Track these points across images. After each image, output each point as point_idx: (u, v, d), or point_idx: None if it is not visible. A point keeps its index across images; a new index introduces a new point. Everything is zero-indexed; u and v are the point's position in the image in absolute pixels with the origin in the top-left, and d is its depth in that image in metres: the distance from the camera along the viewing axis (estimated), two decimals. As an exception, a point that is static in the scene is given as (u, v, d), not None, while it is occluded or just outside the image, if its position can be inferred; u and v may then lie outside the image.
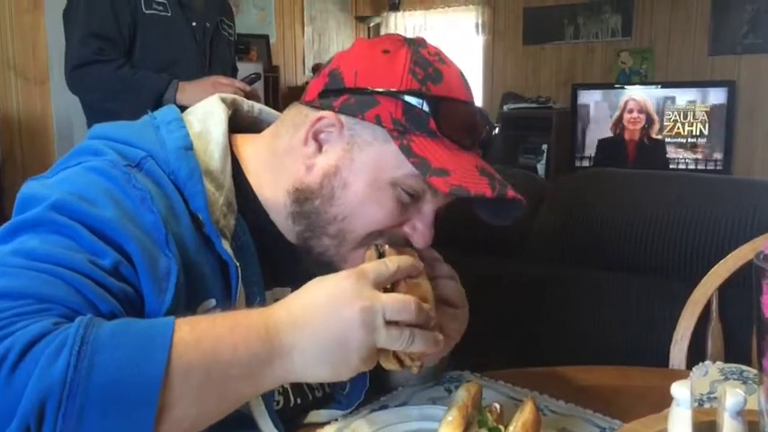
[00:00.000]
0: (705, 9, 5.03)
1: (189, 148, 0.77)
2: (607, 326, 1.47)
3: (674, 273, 1.44)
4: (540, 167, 5.42)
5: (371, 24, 6.48)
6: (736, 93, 4.93)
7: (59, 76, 3.28)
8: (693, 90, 5.04)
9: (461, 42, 6.43)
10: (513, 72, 6.09)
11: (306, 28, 6.14)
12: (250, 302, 0.77)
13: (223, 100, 0.87)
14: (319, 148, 0.80)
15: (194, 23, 2.23)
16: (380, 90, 0.77)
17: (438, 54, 0.81)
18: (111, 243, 0.67)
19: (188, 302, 0.72)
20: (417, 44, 0.81)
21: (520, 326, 1.40)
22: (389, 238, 0.80)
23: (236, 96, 0.91)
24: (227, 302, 0.75)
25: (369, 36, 6.58)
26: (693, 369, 1.04)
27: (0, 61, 3.52)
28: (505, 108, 5.70)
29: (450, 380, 0.98)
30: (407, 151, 0.75)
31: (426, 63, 0.79)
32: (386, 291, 0.68)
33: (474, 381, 0.95)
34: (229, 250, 0.75)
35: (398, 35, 0.83)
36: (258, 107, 0.94)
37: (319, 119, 0.79)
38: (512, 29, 6.07)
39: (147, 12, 2.12)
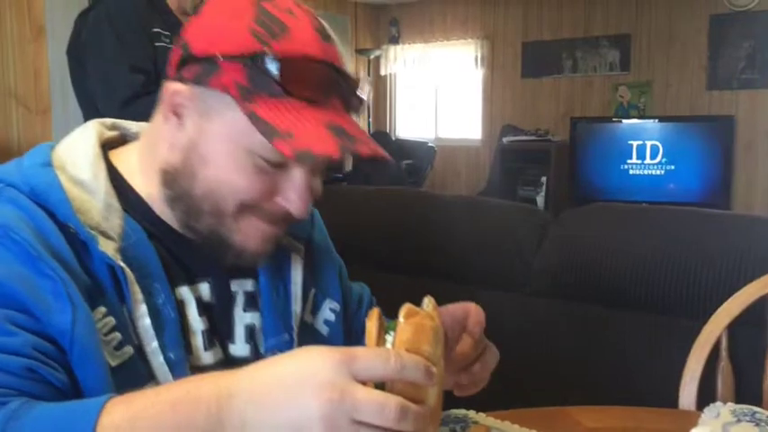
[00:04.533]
0: (702, 44, 5.09)
1: (47, 164, 0.75)
2: (612, 363, 1.45)
3: (680, 310, 1.41)
4: (540, 200, 5.43)
5: (371, 57, 6.55)
6: (735, 127, 4.96)
7: (61, 105, 3.28)
8: (692, 124, 5.08)
9: (461, 75, 6.49)
10: (512, 105, 6.14)
11: (306, 60, 6.18)
12: (153, 300, 0.74)
13: (102, 123, 0.85)
14: (179, 124, 0.76)
15: None
16: (223, 55, 0.73)
17: (290, 9, 0.76)
18: None
19: None
20: None
21: (523, 362, 1.37)
22: (267, 212, 0.77)
23: (117, 120, 0.89)
24: (124, 304, 0.72)
25: (369, 69, 6.64)
26: (704, 410, 1.01)
27: (1, 90, 3.53)
28: (504, 140, 5.73)
29: (455, 420, 0.95)
30: (253, 117, 0.71)
31: (270, 19, 0.74)
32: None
33: (482, 423, 0.92)
34: (111, 252, 0.72)
35: None
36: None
37: (173, 93, 0.76)
38: (510, 62, 6.13)
39: (158, 44, 2.14)
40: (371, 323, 0.65)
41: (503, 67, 6.19)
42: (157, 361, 0.74)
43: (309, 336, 0.90)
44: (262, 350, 0.86)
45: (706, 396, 1.17)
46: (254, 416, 0.57)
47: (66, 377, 0.65)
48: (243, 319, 0.85)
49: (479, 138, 6.42)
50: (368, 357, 0.57)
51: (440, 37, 6.56)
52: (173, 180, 0.78)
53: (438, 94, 6.83)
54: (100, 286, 0.71)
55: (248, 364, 0.78)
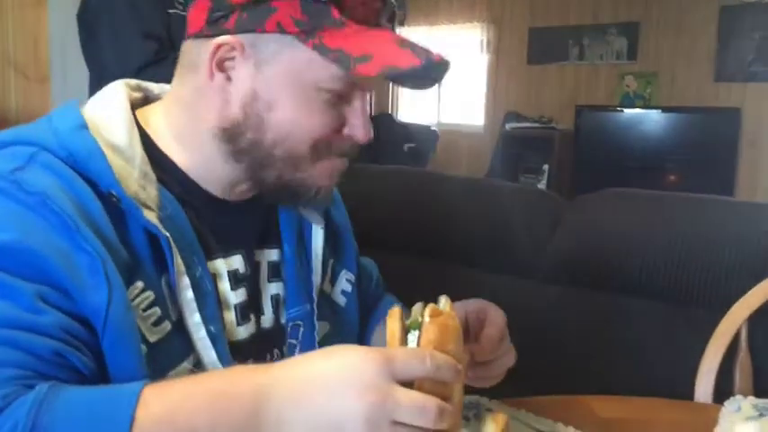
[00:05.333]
0: (711, 35, 5.03)
1: (83, 126, 0.71)
2: (626, 353, 1.42)
3: (698, 300, 1.38)
4: (541, 188, 5.39)
5: (376, 38, 6.47)
6: (741, 120, 4.92)
7: (60, 74, 3.22)
8: (697, 116, 5.03)
9: (465, 60, 6.42)
10: (517, 91, 6.08)
11: (310, 39, 6.11)
12: (191, 273, 0.72)
13: (127, 84, 0.82)
14: (228, 78, 0.74)
15: None
16: None
17: None
18: (22, 269, 0.61)
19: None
20: None
21: (534, 349, 1.34)
22: (338, 149, 0.77)
23: (140, 81, 0.85)
24: (163, 277, 0.70)
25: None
26: (725, 404, 0.99)
27: (0, 58, 3.46)
28: (507, 127, 5.69)
29: (467, 406, 0.92)
30: (322, 49, 0.70)
31: None
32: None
33: (498, 411, 0.89)
34: (155, 221, 0.69)
35: None
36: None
37: (217, 47, 0.72)
38: (516, 48, 6.07)
39: (171, 11, 2.11)
40: (393, 323, 0.65)
41: (508, 52, 6.12)
42: (198, 334, 0.72)
43: (327, 306, 0.90)
44: (283, 320, 0.85)
45: (721, 389, 1.14)
46: (292, 415, 0.56)
47: (94, 362, 0.62)
48: (269, 289, 0.84)
49: (482, 123, 6.36)
50: (406, 358, 0.59)
51: (445, 20, 6.48)
52: (237, 134, 0.75)
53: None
54: (137, 259, 0.68)
55: (274, 334, 0.80)
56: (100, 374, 0.62)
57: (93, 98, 0.78)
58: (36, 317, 0.59)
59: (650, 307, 1.43)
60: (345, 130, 0.77)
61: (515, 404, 0.95)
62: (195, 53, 0.75)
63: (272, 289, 0.85)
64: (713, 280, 1.35)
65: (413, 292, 0.80)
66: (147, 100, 0.84)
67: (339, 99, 0.74)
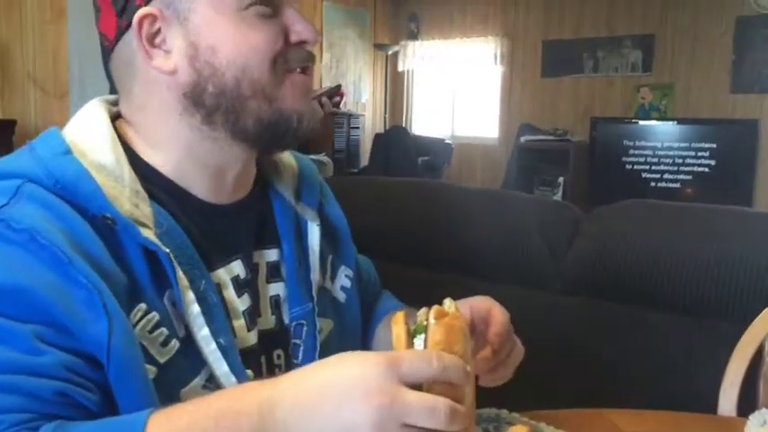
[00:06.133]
0: (727, 46, 5.01)
1: (67, 151, 0.70)
2: (646, 366, 1.40)
3: (718, 311, 1.36)
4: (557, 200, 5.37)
5: (390, 52, 6.50)
6: (758, 132, 4.87)
7: (78, 89, 3.27)
8: (714, 127, 5.00)
9: (479, 73, 6.43)
10: (531, 104, 6.08)
11: (324, 53, 6.15)
12: (195, 287, 0.71)
13: (104, 100, 0.81)
14: (166, 52, 0.73)
15: None
16: None
17: None
18: (16, 311, 0.60)
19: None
20: None
21: (552, 362, 1.33)
22: (295, 60, 0.77)
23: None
24: (165, 295, 0.69)
25: (387, 65, 6.59)
26: (750, 418, 0.96)
27: (20, 72, 3.51)
28: (522, 139, 5.67)
29: (487, 419, 0.91)
30: None
31: None
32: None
33: (519, 424, 0.88)
34: (153, 238, 0.68)
35: None
36: None
37: (139, 25, 0.72)
38: (530, 61, 6.07)
39: None
40: (399, 327, 0.64)
41: (522, 65, 6.13)
42: (209, 348, 0.71)
43: (328, 303, 0.90)
44: (287, 320, 0.84)
45: (745, 402, 1.12)
46: (299, 426, 0.56)
47: (100, 395, 0.62)
48: (268, 290, 0.84)
49: (496, 136, 6.36)
50: (412, 360, 0.57)
51: (459, 33, 6.51)
52: (200, 93, 0.74)
53: (456, 91, 6.77)
54: (137, 281, 0.68)
55: (278, 335, 0.79)
56: (107, 406, 0.62)
57: (72, 120, 0.77)
58: (35, 358, 0.59)
59: (670, 319, 1.41)
60: (293, 38, 0.76)
61: (535, 417, 0.93)
62: (124, 53, 0.75)
63: (272, 290, 0.84)
64: (734, 291, 1.33)
65: (428, 304, 0.79)
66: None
67: (268, 11, 0.74)
